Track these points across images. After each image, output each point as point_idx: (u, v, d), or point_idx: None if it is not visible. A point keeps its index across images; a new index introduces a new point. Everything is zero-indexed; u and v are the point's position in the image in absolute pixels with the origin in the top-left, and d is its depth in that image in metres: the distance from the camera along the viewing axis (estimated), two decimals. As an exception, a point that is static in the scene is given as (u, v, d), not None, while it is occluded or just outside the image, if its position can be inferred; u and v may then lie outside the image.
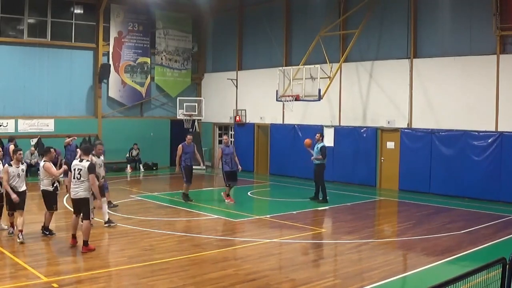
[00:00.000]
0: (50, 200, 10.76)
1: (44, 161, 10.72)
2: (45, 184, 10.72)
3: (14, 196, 10.37)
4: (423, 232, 11.85)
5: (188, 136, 15.82)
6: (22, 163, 10.86)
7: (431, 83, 17.93)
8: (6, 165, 10.56)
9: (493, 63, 16.33)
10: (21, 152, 11.00)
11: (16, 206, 10.53)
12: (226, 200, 15.43)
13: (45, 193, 10.77)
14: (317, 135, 16.02)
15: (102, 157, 12.64)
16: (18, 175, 10.56)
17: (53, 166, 10.80)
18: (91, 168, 9.79)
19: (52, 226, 12.09)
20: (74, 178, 9.82)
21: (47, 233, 10.95)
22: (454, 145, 17.18)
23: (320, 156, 15.61)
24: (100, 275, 8.35)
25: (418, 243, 10.92)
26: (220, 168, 15.87)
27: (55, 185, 10.77)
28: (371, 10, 18.85)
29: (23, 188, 10.71)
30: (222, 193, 15.85)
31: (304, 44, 20.82)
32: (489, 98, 16.44)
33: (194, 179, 15.67)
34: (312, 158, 15.85)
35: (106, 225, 11.91)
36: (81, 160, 9.94)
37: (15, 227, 10.74)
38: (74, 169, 9.85)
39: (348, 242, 10.97)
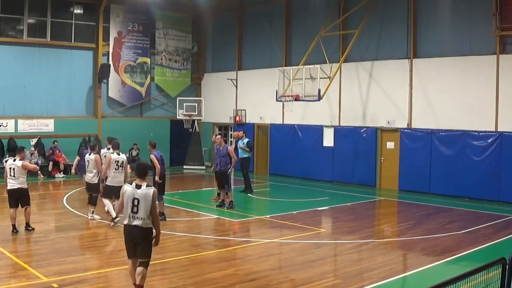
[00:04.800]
0: (27, 196, 11.14)
1: (19, 160, 10.99)
2: (21, 182, 10.98)
3: None
4: (423, 232, 11.85)
5: (217, 136, 14.94)
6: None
7: (431, 83, 17.93)
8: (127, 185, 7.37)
9: (493, 63, 16.32)
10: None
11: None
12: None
13: (22, 190, 11.03)
14: (241, 132, 17.96)
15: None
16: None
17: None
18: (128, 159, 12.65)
19: (52, 226, 12.15)
20: (116, 169, 11.91)
21: (30, 228, 11.14)
22: (454, 145, 17.17)
23: (248, 149, 17.35)
24: (100, 275, 8.36)
25: (418, 243, 10.92)
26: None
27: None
28: (371, 10, 18.84)
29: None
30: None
31: (304, 44, 20.81)
32: (489, 98, 16.43)
33: (193, 180, 15.53)
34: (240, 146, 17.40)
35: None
36: (118, 154, 12.09)
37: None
38: (117, 162, 11.95)
39: (348, 242, 10.97)
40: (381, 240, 11.30)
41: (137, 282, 7.05)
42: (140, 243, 7.05)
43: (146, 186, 7.11)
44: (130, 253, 7.16)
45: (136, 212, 7.00)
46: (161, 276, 8.34)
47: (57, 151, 21.01)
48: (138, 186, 7.08)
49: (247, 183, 17.43)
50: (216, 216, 13.63)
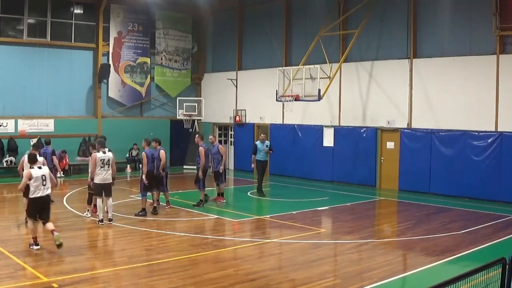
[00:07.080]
0: None
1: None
2: None
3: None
4: (423, 232, 11.85)
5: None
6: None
7: (431, 83, 17.93)
8: None
9: (493, 63, 16.32)
10: None
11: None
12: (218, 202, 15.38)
13: None
14: (262, 135, 17.58)
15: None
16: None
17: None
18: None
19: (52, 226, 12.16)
20: (102, 166, 12.10)
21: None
22: (454, 145, 17.18)
23: (271, 151, 17.41)
24: (100, 275, 8.36)
25: (418, 243, 10.92)
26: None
27: None
28: (371, 10, 18.84)
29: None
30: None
31: (304, 44, 20.82)
32: (489, 98, 16.43)
33: (193, 180, 15.48)
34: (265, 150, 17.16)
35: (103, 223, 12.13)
36: (104, 152, 12.22)
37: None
38: (103, 160, 12.10)
39: (348, 242, 10.97)
40: (381, 240, 11.30)
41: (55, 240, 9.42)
42: (47, 207, 9.79)
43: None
44: (34, 216, 9.64)
45: (45, 185, 9.62)
46: (161, 276, 8.34)
47: (64, 161, 21.03)
48: (39, 167, 9.76)
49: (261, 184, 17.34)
50: (216, 216, 13.63)
